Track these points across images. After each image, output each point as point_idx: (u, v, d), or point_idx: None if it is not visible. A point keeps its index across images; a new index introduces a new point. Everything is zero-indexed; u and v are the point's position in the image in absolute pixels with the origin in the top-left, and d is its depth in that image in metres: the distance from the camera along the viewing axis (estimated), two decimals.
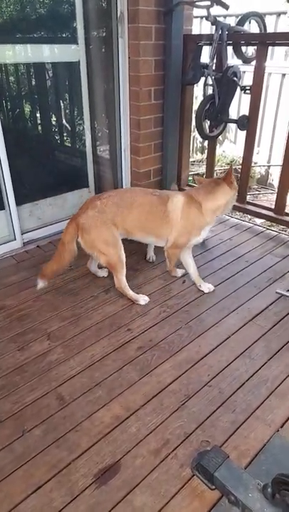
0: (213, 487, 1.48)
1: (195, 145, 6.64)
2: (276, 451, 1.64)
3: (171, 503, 1.46)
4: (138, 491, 1.50)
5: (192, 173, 5.24)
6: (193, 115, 3.63)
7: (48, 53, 3.20)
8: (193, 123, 3.68)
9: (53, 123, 3.74)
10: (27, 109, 3.59)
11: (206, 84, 3.42)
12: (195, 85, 3.62)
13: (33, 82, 3.45)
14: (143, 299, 2.54)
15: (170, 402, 1.86)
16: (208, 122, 3.48)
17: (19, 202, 3.17)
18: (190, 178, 4.37)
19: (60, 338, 2.27)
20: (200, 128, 3.37)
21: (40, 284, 2.48)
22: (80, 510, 1.44)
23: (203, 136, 3.53)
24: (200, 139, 6.43)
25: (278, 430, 1.72)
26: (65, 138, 3.87)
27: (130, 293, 2.54)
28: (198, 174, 5.45)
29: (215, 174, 4.36)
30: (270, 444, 1.66)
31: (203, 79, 3.38)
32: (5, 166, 2.98)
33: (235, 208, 3.68)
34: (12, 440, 1.69)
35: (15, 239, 3.21)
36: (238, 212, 3.93)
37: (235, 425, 1.75)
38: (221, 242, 3.33)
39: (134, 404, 1.85)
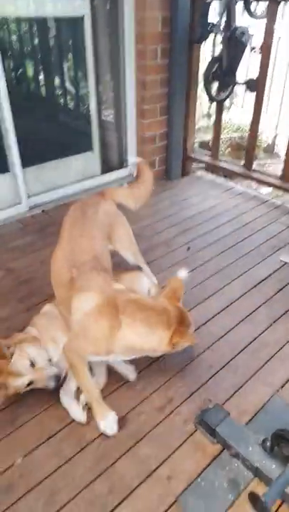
0: (215, 441, 1.56)
1: (201, 110, 6.45)
2: (275, 410, 1.72)
3: (175, 454, 1.55)
4: (143, 443, 1.59)
5: (198, 140, 5.13)
6: (200, 76, 3.51)
7: (51, 7, 3.05)
8: (200, 85, 3.57)
9: (57, 84, 3.63)
10: (30, 69, 3.48)
11: (214, 44, 3.30)
12: (202, 45, 3.48)
13: (36, 40, 3.32)
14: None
15: (174, 364, 1.93)
16: (216, 85, 3.39)
17: (25, 164, 3.13)
18: (196, 144, 4.29)
19: None
20: (207, 90, 3.28)
21: None
22: (89, 459, 1.54)
23: (211, 99, 3.44)
24: (206, 105, 6.24)
25: (278, 391, 1.80)
26: (69, 99, 3.77)
27: None
28: (204, 141, 5.35)
29: (222, 142, 4.27)
30: (270, 403, 1.74)
31: (211, 39, 3.25)
32: (10, 127, 2.93)
33: (241, 176, 3.66)
34: (22, 395, 1.77)
35: (20, 202, 3.20)
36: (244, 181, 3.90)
37: (236, 386, 1.83)
38: (227, 210, 3.32)
39: (139, 365, 1.91)
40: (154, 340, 1.55)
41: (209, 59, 3.39)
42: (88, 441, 1.60)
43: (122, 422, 1.67)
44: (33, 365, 1.65)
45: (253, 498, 1.25)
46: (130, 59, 3.33)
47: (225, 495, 1.40)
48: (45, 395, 1.76)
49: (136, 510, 1.39)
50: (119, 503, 1.41)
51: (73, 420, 1.68)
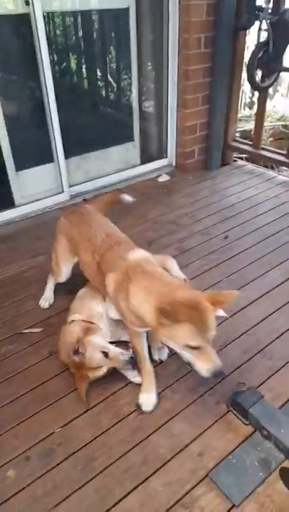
0: (247, 422, 1.57)
1: (243, 100, 6.32)
2: None
3: (206, 432, 1.59)
4: (177, 420, 1.64)
5: (239, 129, 5.04)
6: (244, 66, 3.45)
7: (97, 0, 3.12)
8: (244, 74, 3.51)
9: (100, 76, 3.71)
10: (74, 62, 3.58)
11: (260, 30, 3.23)
12: (247, 33, 3.42)
13: (80, 33, 3.41)
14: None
15: None
16: (260, 72, 3.32)
17: (67, 154, 3.24)
18: (237, 134, 4.23)
19: None
20: (251, 77, 3.23)
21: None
22: (124, 432, 1.61)
23: (254, 87, 3.39)
24: (249, 94, 6.10)
25: None
26: (111, 91, 3.84)
27: None
28: (245, 131, 5.25)
29: (264, 131, 4.18)
30: None
31: (257, 24, 3.19)
32: (55, 119, 3.05)
33: (283, 165, 3.58)
34: (64, 369, 1.87)
35: (63, 191, 3.33)
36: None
37: (271, 371, 1.82)
38: (267, 199, 3.26)
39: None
40: (145, 311, 1.44)
41: (252, 47, 3.34)
42: (124, 414, 1.67)
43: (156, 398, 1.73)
44: (106, 354, 1.71)
45: (285, 472, 1.26)
46: (174, 49, 3.34)
47: (256, 472, 1.42)
48: None
49: (168, 481, 1.44)
50: (152, 474, 1.47)
51: (110, 395, 1.75)
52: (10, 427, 1.65)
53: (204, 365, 1.36)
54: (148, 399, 1.70)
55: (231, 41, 3.31)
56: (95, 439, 1.59)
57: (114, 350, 1.74)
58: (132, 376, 1.80)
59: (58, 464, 1.52)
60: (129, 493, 1.41)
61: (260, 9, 3.03)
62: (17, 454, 1.55)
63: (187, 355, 1.37)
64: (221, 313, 2.10)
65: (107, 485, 1.44)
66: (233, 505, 1.36)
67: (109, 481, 1.45)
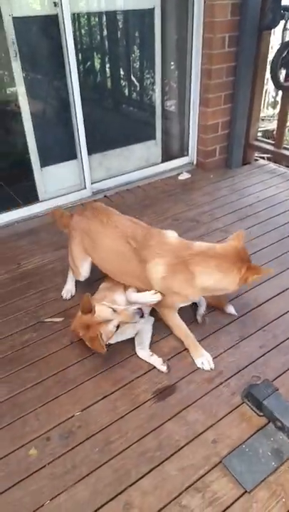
0: (261, 414, 1.62)
1: (266, 99, 6.28)
2: None
3: (221, 422, 1.63)
4: (191, 409, 1.69)
5: (262, 129, 5.03)
6: (268, 65, 3.46)
7: (123, 1, 3.18)
8: (268, 73, 3.52)
9: (124, 75, 3.78)
10: (98, 61, 3.66)
11: (285, 29, 3.23)
12: (272, 33, 3.42)
13: (105, 33, 3.48)
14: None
15: (225, 341, 2.00)
16: (284, 71, 3.32)
17: (90, 152, 3.33)
18: (259, 133, 4.23)
19: None
20: (275, 77, 3.23)
21: None
22: (140, 418, 1.67)
23: (278, 86, 3.39)
24: (272, 93, 6.06)
25: None
26: (134, 90, 3.91)
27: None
28: (268, 130, 5.23)
29: (287, 130, 4.16)
30: None
31: (282, 23, 3.19)
32: (79, 116, 3.13)
33: None
34: (83, 357, 1.95)
35: (85, 187, 3.42)
36: None
37: (286, 366, 1.85)
38: (286, 199, 3.26)
39: None
40: (228, 283, 1.76)
41: (277, 47, 3.34)
42: (141, 402, 1.73)
43: (172, 389, 1.78)
44: (114, 310, 1.80)
45: None
46: (198, 48, 3.37)
47: (268, 462, 1.46)
48: (101, 360, 1.92)
49: (182, 466, 1.49)
50: (167, 459, 1.52)
51: (127, 383, 1.82)
52: (32, 409, 1.73)
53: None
54: (205, 360, 1.87)
55: (256, 41, 3.32)
56: (112, 423, 1.66)
57: (121, 307, 1.85)
58: (159, 364, 1.86)
59: (77, 445, 1.59)
60: (144, 476, 1.47)
61: (286, 8, 3.03)
62: (39, 435, 1.63)
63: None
64: (233, 311, 2.14)
65: (124, 467, 1.50)
66: (245, 491, 1.40)
67: (125, 464, 1.51)
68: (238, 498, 1.39)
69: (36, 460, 1.54)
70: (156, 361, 1.88)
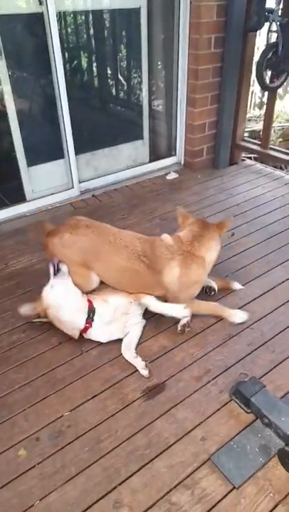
0: (249, 411, 1.64)
1: (253, 100, 6.35)
2: None
3: (209, 419, 1.65)
4: (180, 407, 1.70)
5: (248, 129, 5.09)
6: (254, 66, 3.50)
7: (109, 0, 3.18)
8: (253, 74, 3.56)
9: (111, 74, 3.78)
10: (85, 60, 3.64)
11: (269, 31, 3.27)
12: (257, 35, 3.47)
13: (92, 32, 3.47)
14: None
15: (213, 339, 2.02)
16: (270, 72, 3.37)
17: (78, 151, 3.32)
18: (246, 134, 4.27)
19: None
20: (260, 78, 3.27)
21: None
22: (130, 417, 1.68)
23: (264, 87, 3.43)
24: (259, 94, 6.14)
25: None
26: (121, 89, 3.91)
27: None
28: (254, 131, 5.29)
29: (273, 131, 4.22)
30: None
31: (267, 25, 3.23)
32: (66, 116, 3.12)
33: None
34: (72, 357, 1.95)
35: (73, 187, 3.40)
36: None
37: (273, 363, 1.88)
38: (275, 199, 3.31)
39: (179, 338, 2.02)
40: (218, 244, 2.09)
41: (262, 48, 3.38)
42: (130, 401, 1.74)
43: (161, 387, 1.79)
44: None
45: (283, 453, 1.31)
46: (184, 49, 3.39)
47: (256, 458, 1.48)
48: (90, 360, 1.92)
49: (171, 464, 1.50)
50: (156, 456, 1.53)
51: (116, 382, 1.82)
52: (21, 409, 1.72)
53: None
54: (237, 313, 2.09)
55: (241, 42, 3.35)
56: (101, 422, 1.66)
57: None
58: (142, 367, 1.85)
59: (67, 445, 1.58)
60: (134, 474, 1.48)
61: (270, 11, 3.07)
62: (28, 435, 1.62)
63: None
64: (239, 286, 2.33)
65: (113, 465, 1.50)
66: (234, 487, 1.42)
67: (115, 462, 1.52)
68: (227, 494, 1.41)
69: (25, 461, 1.54)
70: (140, 364, 1.86)
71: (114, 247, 2.01)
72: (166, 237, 2.07)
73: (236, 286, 2.33)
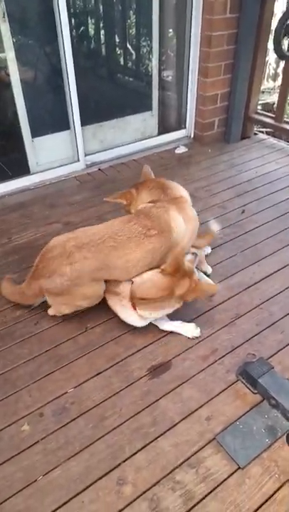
0: (256, 392, 1.61)
1: (267, 71, 6.08)
2: None
3: (215, 399, 1.63)
4: (186, 385, 1.68)
5: (261, 102, 4.88)
6: (271, 35, 3.31)
7: None
8: (270, 42, 3.37)
9: (119, 42, 3.60)
10: (92, 27, 3.47)
11: None
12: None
13: None
14: None
15: (220, 319, 1.98)
16: (288, 40, 3.18)
17: (83, 123, 3.20)
18: (258, 107, 4.09)
19: None
20: (278, 46, 3.09)
21: None
22: (135, 395, 1.66)
23: (281, 56, 3.26)
24: (273, 65, 5.87)
25: None
26: (130, 58, 3.74)
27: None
28: (267, 104, 5.08)
29: (288, 104, 4.04)
30: None
31: None
32: (72, 85, 2.99)
33: None
34: (77, 334, 1.92)
35: (78, 160, 3.31)
36: None
37: (282, 344, 1.84)
38: (286, 175, 3.19)
39: (186, 316, 1.97)
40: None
41: (280, 15, 3.18)
42: (135, 378, 1.71)
43: (166, 366, 1.76)
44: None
45: None
46: (197, 14, 3.20)
47: (262, 438, 1.46)
48: (94, 337, 1.90)
49: (176, 443, 1.49)
50: (161, 435, 1.51)
51: (121, 360, 1.79)
52: (25, 385, 1.70)
53: None
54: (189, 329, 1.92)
55: (259, 7, 3.16)
56: (106, 400, 1.64)
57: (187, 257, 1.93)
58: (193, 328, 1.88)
59: (71, 422, 1.57)
60: (138, 451, 1.47)
61: None
62: (31, 411, 1.61)
63: None
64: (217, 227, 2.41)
65: (117, 442, 1.49)
66: (239, 468, 1.40)
67: (119, 439, 1.50)
68: (232, 474, 1.39)
69: (29, 436, 1.53)
70: (190, 325, 1.89)
71: (120, 247, 1.78)
72: (144, 204, 2.06)
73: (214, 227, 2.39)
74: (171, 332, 1.91)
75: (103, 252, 1.76)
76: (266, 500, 1.33)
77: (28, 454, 1.47)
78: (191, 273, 1.80)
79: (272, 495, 1.35)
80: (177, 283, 1.75)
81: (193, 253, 1.97)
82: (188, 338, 1.88)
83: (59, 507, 1.33)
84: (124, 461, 1.44)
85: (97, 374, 1.75)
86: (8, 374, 1.75)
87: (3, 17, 2.60)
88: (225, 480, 1.38)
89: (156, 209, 1.94)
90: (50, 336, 1.93)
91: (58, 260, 1.76)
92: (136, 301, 1.79)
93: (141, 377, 1.72)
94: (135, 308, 1.81)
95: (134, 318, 1.84)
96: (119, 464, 1.43)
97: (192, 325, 1.90)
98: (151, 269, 1.86)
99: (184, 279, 1.76)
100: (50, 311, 1.97)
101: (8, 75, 2.81)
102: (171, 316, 1.91)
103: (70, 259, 1.74)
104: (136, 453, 1.46)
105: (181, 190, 2.14)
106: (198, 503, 1.33)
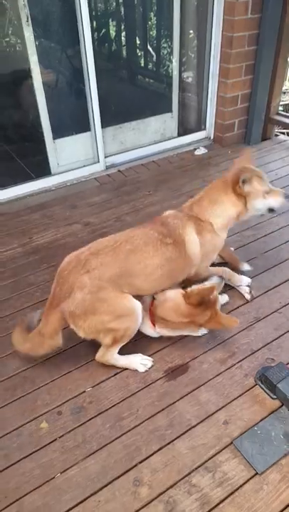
0: (274, 397, 1.59)
1: None
2: None
3: (233, 403, 1.61)
4: (203, 389, 1.67)
5: (283, 103, 4.82)
6: None
7: None
8: None
9: (140, 44, 3.62)
10: (113, 29, 3.50)
11: None
12: None
13: None
14: (141, 364, 1.77)
15: (239, 322, 1.95)
16: None
17: (104, 124, 3.22)
18: (280, 108, 4.04)
19: None
20: None
21: None
22: (152, 396, 1.66)
23: None
24: None
25: None
26: (150, 60, 3.75)
27: (122, 363, 1.78)
28: None
29: None
30: None
31: None
32: (93, 87, 3.02)
33: None
34: None
35: (98, 161, 3.33)
36: None
37: None
38: None
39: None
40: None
41: None
42: (153, 380, 1.72)
43: (183, 368, 1.76)
44: None
45: None
46: (219, 14, 3.19)
47: (280, 445, 1.44)
48: None
49: (192, 445, 1.49)
50: (177, 437, 1.51)
51: None
52: (44, 383, 1.73)
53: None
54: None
55: (281, 6, 3.12)
56: (123, 400, 1.65)
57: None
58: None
59: (88, 420, 1.59)
60: (154, 453, 1.47)
61: None
62: (50, 408, 1.63)
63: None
64: (247, 267, 2.22)
65: (134, 443, 1.50)
66: (256, 473, 1.39)
67: (136, 440, 1.51)
68: (249, 480, 1.38)
69: (47, 433, 1.55)
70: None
71: (138, 251, 1.68)
72: (168, 212, 1.93)
73: (246, 267, 2.21)
74: (188, 335, 1.90)
75: (120, 255, 1.65)
76: (284, 509, 1.32)
77: (47, 451, 1.50)
78: (215, 303, 1.73)
79: None
80: (199, 313, 1.72)
81: (220, 276, 1.91)
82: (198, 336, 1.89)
83: (76, 505, 1.35)
84: (140, 462, 1.45)
85: (115, 374, 1.76)
86: (28, 372, 1.79)
87: (27, 21, 2.65)
88: (242, 485, 1.37)
89: (172, 219, 1.83)
90: (69, 335, 1.94)
91: (74, 272, 1.61)
92: (156, 318, 1.79)
93: (158, 379, 1.72)
94: (154, 325, 1.81)
95: (150, 331, 1.85)
96: (136, 465, 1.44)
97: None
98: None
99: (207, 310, 1.72)
100: (98, 355, 1.77)
101: (31, 77, 2.87)
102: None
103: (86, 266, 1.61)
104: (152, 454, 1.47)
105: (212, 216, 1.84)
106: (214, 507, 1.33)
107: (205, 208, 1.85)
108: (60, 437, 1.54)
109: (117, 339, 1.68)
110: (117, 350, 1.74)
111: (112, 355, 1.74)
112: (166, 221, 1.83)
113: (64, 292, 1.61)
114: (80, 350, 1.87)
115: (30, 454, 1.49)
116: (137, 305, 1.68)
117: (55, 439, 1.53)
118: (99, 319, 1.61)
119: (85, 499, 1.36)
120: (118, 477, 1.41)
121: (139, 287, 1.72)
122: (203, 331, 1.89)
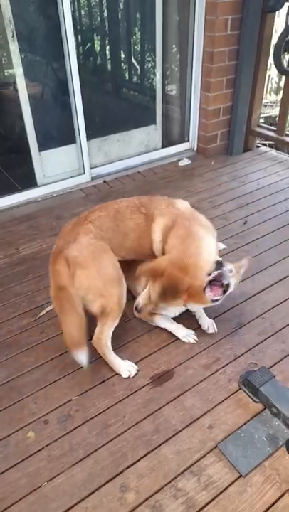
0: (257, 400, 1.63)
1: (269, 85, 6.18)
2: None
3: (217, 407, 1.65)
4: (189, 394, 1.70)
5: (264, 115, 4.96)
6: (272, 50, 3.39)
7: None
8: (271, 57, 3.45)
9: (124, 58, 3.70)
10: (98, 43, 3.57)
11: (288, 13, 3.16)
12: (276, 16, 3.34)
13: (106, 14, 3.39)
14: (127, 370, 1.79)
15: (222, 328, 2.00)
16: (288, 56, 3.26)
17: (89, 136, 3.28)
18: (261, 120, 4.17)
19: None
20: (278, 61, 3.18)
21: (83, 358, 1.68)
22: (138, 403, 1.68)
23: (281, 71, 3.33)
24: (275, 79, 5.97)
25: None
26: (134, 73, 3.84)
27: (111, 358, 1.80)
28: (270, 117, 5.16)
29: None
30: None
31: (286, 5, 3.12)
32: (78, 100, 3.07)
33: None
34: None
35: (84, 173, 3.38)
36: None
37: (283, 354, 1.86)
38: (287, 187, 3.24)
39: (188, 325, 2.00)
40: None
41: (281, 30, 3.26)
42: (139, 386, 1.74)
43: (169, 374, 1.79)
44: None
45: None
46: (199, 31, 3.30)
47: (264, 447, 1.47)
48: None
49: (178, 450, 1.51)
50: (163, 442, 1.54)
51: None
52: (30, 392, 1.74)
53: None
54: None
55: (259, 23, 3.25)
56: (109, 407, 1.67)
57: None
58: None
59: (75, 429, 1.60)
60: (141, 459, 1.49)
61: None
62: (37, 418, 1.64)
63: None
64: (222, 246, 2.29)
65: (121, 450, 1.52)
66: (240, 476, 1.42)
67: (122, 447, 1.53)
68: (233, 482, 1.41)
69: (34, 442, 1.56)
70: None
71: (121, 212, 1.84)
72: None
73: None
74: (174, 341, 1.94)
75: (110, 212, 1.83)
76: (267, 509, 1.35)
77: (33, 460, 1.50)
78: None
79: (273, 503, 1.36)
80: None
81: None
82: (184, 342, 1.94)
83: None
84: (127, 468, 1.46)
85: (101, 382, 1.78)
86: (14, 382, 1.79)
87: (12, 37, 2.71)
88: (226, 488, 1.40)
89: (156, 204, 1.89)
90: (55, 344, 1.97)
91: (78, 224, 1.78)
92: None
93: (144, 386, 1.75)
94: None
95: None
96: (122, 471, 1.46)
97: (190, 331, 1.95)
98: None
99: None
100: (94, 336, 1.77)
101: (16, 90, 2.91)
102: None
103: (88, 218, 1.79)
104: (139, 460, 1.49)
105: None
106: (199, 510, 1.35)
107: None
108: (46, 446, 1.54)
109: (104, 308, 1.69)
110: (110, 331, 1.76)
111: (106, 338, 1.76)
112: (154, 199, 1.94)
113: (67, 241, 1.71)
114: (67, 359, 1.88)
115: (17, 463, 1.50)
116: (123, 276, 1.78)
117: (42, 448, 1.54)
118: (94, 272, 1.67)
119: (72, 507, 1.37)
120: (105, 483, 1.42)
121: (118, 247, 1.81)
122: (189, 338, 1.93)
